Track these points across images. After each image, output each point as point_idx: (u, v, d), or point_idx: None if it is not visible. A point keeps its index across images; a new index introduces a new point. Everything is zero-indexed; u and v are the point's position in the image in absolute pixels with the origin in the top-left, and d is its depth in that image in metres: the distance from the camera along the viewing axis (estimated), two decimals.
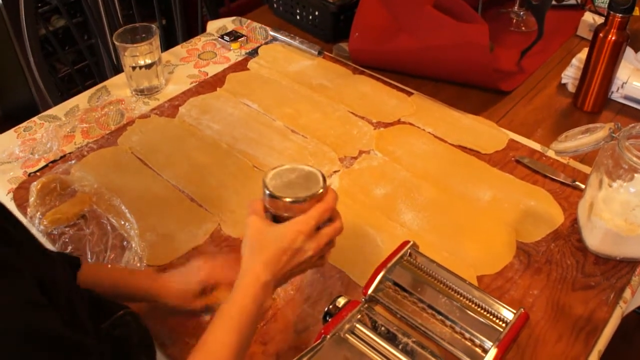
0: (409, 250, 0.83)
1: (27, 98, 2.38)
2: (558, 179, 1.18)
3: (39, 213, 1.12)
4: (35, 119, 1.36)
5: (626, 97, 1.38)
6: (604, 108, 1.38)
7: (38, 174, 1.21)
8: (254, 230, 0.75)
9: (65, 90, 1.73)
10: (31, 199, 1.14)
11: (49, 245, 1.07)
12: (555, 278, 1.01)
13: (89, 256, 1.05)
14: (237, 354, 0.68)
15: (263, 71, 1.49)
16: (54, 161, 1.24)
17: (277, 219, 0.78)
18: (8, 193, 1.18)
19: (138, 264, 1.02)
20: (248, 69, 1.50)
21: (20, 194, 1.16)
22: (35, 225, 1.10)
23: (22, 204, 1.14)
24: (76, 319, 0.62)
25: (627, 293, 1.01)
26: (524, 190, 1.15)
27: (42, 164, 1.24)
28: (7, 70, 2.46)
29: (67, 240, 1.07)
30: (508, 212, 1.11)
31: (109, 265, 1.02)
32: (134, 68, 1.39)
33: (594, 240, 1.04)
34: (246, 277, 0.72)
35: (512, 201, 1.13)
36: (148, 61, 1.39)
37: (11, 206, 1.15)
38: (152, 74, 1.41)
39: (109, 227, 1.10)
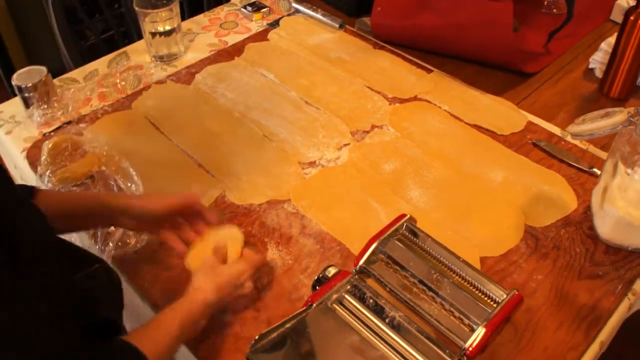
0: (404, 224, 0.81)
1: (57, 65, 2.41)
2: (575, 164, 1.14)
3: (48, 171, 1.13)
4: (55, 81, 1.37)
5: None
6: (631, 95, 1.32)
7: (52, 134, 1.22)
8: (210, 264, 0.86)
9: (92, 58, 1.74)
10: (42, 158, 1.15)
11: None
12: (561, 265, 0.98)
13: None
14: (169, 348, 0.76)
15: (282, 42, 1.47)
16: (68, 122, 1.25)
17: None
18: (22, 151, 1.19)
19: None
20: (268, 40, 1.49)
21: (34, 152, 1.18)
22: (45, 182, 1.11)
23: (34, 162, 1.16)
24: (34, 270, 0.62)
25: (637, 285, 0.97)
26: (538, 174, 1.12)
27: (58, 124, 1.25)
28: (39, 37, 2.49)
29: None
30: (519, 194, 1.08)
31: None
32: (153, 35, 1.39)
33: (605, 228, 1.00)
34: (197, 292, 0.81)
35: (524, 184, 1.10)
36: (167, 28, 1.39)
37: (24, 164, 1.17)
38: (172, 41, 1.41)
39: (115, 188, 1.10)
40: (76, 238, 1.11)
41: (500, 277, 0.96)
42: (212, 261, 0.87)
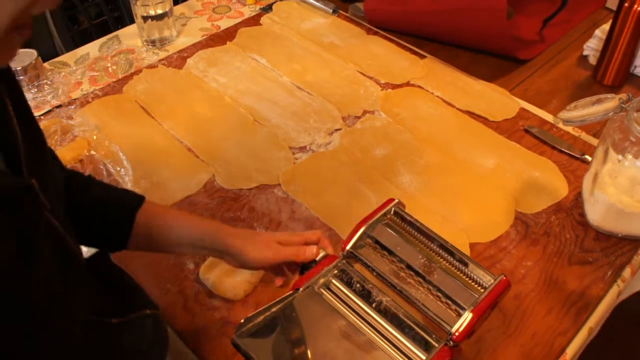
0: (393, 209, 0.80)
1: (49, 50, 2.39)
2: (566, 151, 1.13)
3: None
4: (46, 64, 1.36)
5: None
6: (625, 83, 1.32)
7: (42, 117, 1.21)
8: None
9: (85, 43, 1.72)
10: None
11: None
12: (551, 251, 0.98)
13: None
14: None
15: (275, 27, 1.46)
16: (59, 106, 1.25)
17: None
18: None
19: None
20: (260, 25, 1.47)
21: None
22: None
23: None
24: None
25: (627, 272, 0.97)
26: (530, 160, 1.12)
27: (48, 108, 1.24)
28: (35, 22, 2.47)
29: None
30: (510, 181, 1.08)
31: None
32: (145, 19, 1.38)
33: (595, 214, 1.00)
34: None
35: (515, 170, 1.09)
36: (159, 11, 1.37)
37: None
38: (164, 25, 1.40)
39: (104, 173, 1.10)
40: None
41: (489, 263, 0.96)
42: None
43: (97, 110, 1.22)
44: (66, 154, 1.12)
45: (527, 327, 0.88)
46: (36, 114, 1.22)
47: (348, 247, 0.77)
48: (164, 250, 0.81)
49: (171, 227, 0.78)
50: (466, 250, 0.97)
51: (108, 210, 0.76)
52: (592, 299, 0.93)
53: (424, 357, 0.69)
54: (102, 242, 0.77)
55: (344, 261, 0.78)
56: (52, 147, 1.13)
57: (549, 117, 1.22)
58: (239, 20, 1.49)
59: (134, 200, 0.77)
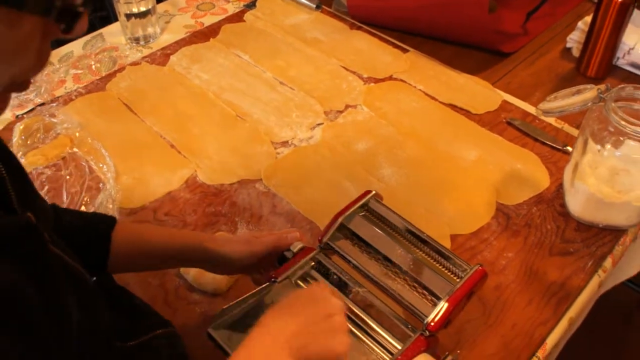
0: (370, 200, 0.80)
1: None
2: (549, 142, 1.14)
3: (20, 153, 1.13)
4: None
5: (633, 65, 1.32)
6: (608, 74, 1.32)
7: (25, 116, 1.21)
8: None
9: (69, 41, 1.72)
10: (14, 140, 1.14)
11: None
12: (532, 242, 0.98)
13: (65, 196, 1.05)
14: None
15: (259, 23, 1.46)
16: (42, 104, 1.24)
17: None
18: None
19: (110, 206, 1.02)
20: (244, 21, 1.47)
21: (5, 135, 1.16)
22: None
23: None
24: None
25: (608, 262, 0.98)
26: (512, 152, 1.12)
27: (31, 106, 1.24)
28: None
29: (44, 180, 1.08)
30: (492, 173, 1.08)
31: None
32: (128, 17, 1.38)
33: (576, 205, 1.00)
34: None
35: (497, 162, 1.10)
36: (142, 9, 1.37)
37: None
38: (147, 23, 1.40)
39: (87, 170, 1.10)
40: None
41: (470, 255, 0.96)
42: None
43: (80, 108, 1.22)
44: (49, 152, 1.12)
45: (507, 317, 0.88)
46: (19, 112, 1.22)
47: (325, 238, 0.78)
48: (147, 266, 0.81)
49: (149, 242, 0.77)
50: (447, 242, 0.97)
51: (83, 234, 0.74)
52: (573, 290, 0.93)
53: (399, 347, 0.69)
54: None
55: (321, 253, 0.78)
56: (35, 145, 1.14)
57: (531, 109, 1.22)
58: (223, 17, 1.49)
59: (106, 221, 0.76)
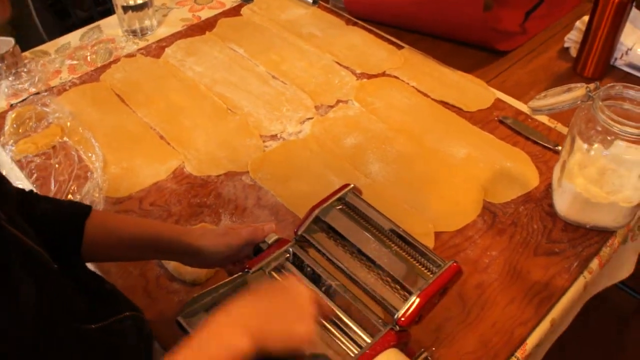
0: (347, 194, 0.80)
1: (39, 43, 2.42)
2: (540, 141, 1.13)
3: (11, 141, 1.13)
4: (26, 53, 1.37)
5: (630, 65, 1.31)
6: (605, 75, 1.31)
7: (19, 105, 1.22)
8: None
9: None
10: (6, 128, 1.15)
11: (17, 173, 1.07)
12: (517, 241, 0.97)
13: (53, 184, 1.05)
14: None
15: (255, 18, 1.46)
16: (36, 94, 1.25)
17: None
18: None
19: (97, 195, 1.03)
20: (241, 15, 1.47)
21: None
22: (7, 152, 1.11)
23: None
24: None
25: (595, 264, 0.96)
26: (502, 151, 1.11)
27: (25, 96, 1.25)
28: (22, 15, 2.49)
29: (33, 168, 1.08)
30: (481, 170, 1.07)
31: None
32: (125, 9, 1.38)
33: (562, 204, 0.99)
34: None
35: (487, 160, 1.09)
36: (139, 1, 1.38)
37: None
38: (144, 16, 1.40)
39: (76, 159, 1.10)
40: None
41: (453, 252, 0.95)
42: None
43: (74, 98, 1.23)
44: (39, 140, 1.13)
45: (487, 316, 0.88)
46: (13, 101, 1.23)
47: (300, 231, 0.77)
48: (124, 257, 0.81)
49: (124, 232, 0.77)
50: (431, 239, 0.96)
51: (57, 221, 0.74)
52: (557, 290, 0.92)
53: (369, 341, 0.69)
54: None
55: (296, 245, 0.78)
56: (27, 134, 1.14)
57: (525, 108, 1.21)
58: (220, 10, 1.49)
59: (81, 209, 0.76)
